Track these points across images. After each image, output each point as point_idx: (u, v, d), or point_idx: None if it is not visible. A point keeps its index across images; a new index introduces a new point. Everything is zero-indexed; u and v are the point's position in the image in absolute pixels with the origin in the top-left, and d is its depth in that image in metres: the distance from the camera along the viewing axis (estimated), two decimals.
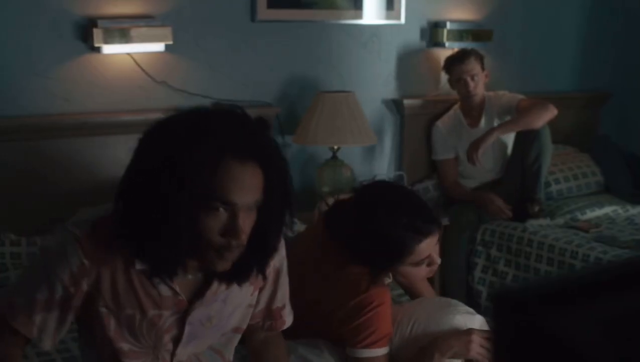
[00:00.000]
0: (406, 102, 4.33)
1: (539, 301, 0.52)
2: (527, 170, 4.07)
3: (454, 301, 2.52)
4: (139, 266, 1.63)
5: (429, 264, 2.30)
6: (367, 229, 2.23)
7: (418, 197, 2.40)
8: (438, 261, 2.31)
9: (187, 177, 1.50)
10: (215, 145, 1.52)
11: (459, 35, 4.41)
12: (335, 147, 3.88)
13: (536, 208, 4.07)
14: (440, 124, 4.30)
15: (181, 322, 1.74)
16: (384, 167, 4.35)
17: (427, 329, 2.36)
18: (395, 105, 4.36)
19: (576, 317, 0.54)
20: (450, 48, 4.42)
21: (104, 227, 1.61)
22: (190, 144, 1.51)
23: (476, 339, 2.28)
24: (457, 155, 4.26)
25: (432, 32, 4.43)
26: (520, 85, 4.44)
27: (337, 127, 3.75)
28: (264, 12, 3.81)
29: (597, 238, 3.79)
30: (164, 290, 1.68)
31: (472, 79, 4.13)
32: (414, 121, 4.37)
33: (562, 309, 0.53)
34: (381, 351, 2.28)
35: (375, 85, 4.27)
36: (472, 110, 4.23)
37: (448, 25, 4.39)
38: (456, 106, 4.32)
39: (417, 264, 2.27)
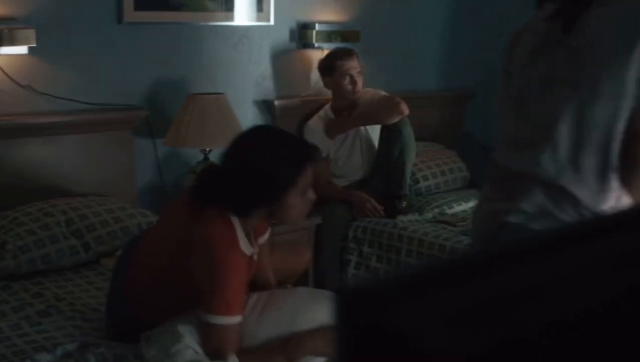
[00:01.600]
0: (277, 102, 4.36)
1: (380, 297, 0.54)
2: (392, 168, 4.17)
3: (328, 293, 2.55)
4: None
5: (309, 200, 2.43)
6: (251, 167, 2.34)
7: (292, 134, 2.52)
8: (313, 195, 2.43)
9: None
10: None
11: (327, 36, 4.47)
12: (207, 149, 3.86)
13: (403, 204, 4.18)
14: (312, 124, 4.33)
15: None
16: None
17: (294, 321, 2.37)
18: (266, 106, 4.38)
19: (420, 312, 0.56)
20: (319, 49, 4.48)
21: None
22: None
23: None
24: (328, 155, 4.32)
25: (301, 33, 4.48)
26: (387, 85, 4.53)
27: (208, 129, 3.74)
28: (131, 14, 3.76)
29: (463, 231, 3.91)
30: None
31: (359, 75, 4.21)
32: (285, 122, 4.39)
33: (404, 305, 0.55)
34: (234, 319, 2.30)
35: (245, 86, 4.27)
36: (344, 110, 4.29)
37: (317, 26, 4.45)
38: (327, 106, 4.37)
39: (302, 193, 2.37)
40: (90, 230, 3.28)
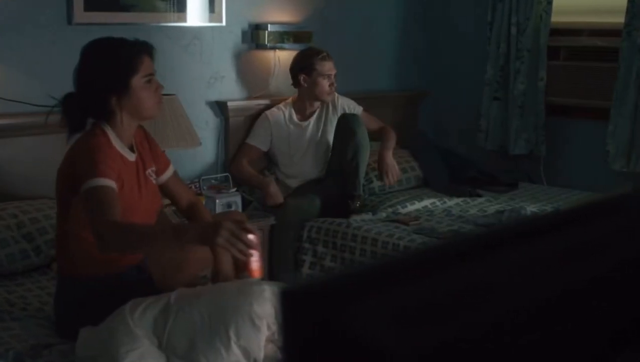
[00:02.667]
0: (230, 103, 4.35)
1: (326, 295, 0.55)
2: (346, 169, 4.19)
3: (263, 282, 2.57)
4: None
5: (155, 89, 2.68)
6: (93, 67, 2.63)
7: None
8: (162, 85, 2.72)
9: None
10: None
11: (280, 37, 4.48)
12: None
13: (357, 204, 4.20)
14: (269, 115, 4.36)
15: None
16: (209, 169, 4.35)
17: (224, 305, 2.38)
18: (219, 107, 4.37)
19: (365, 310, 0.57)
20: (272, 50, 4.49)
21: None
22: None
23: (227, 227, 2.32)
24: (269, 150, 4.34)
25: (254, 34, 4.48)
26: (340, 85, 4.54)
27: (160, 130, 3.71)
28: (81, 15, 3.72)
29: (417, 230, 3.94)
30: None
31: (335, 78, 4.28)
32: (239, 122, 4.40)
33: (350, 302, 0.56)
34: (108, 182, 2.44)
35: (198, 87, 4.26)
36: (306, 109, 4.33)
37: (269, 27, 4.45)
38: (289, 102, 4.39)
39: (146, 81, 2.63)
40: (42, 233, 3.24)
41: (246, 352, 2.32)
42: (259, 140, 4.35)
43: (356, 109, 4.47)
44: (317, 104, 4.37)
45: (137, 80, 2.61)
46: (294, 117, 4.35)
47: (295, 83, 4.35)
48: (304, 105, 4.35)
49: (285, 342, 0.54)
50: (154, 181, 2.79)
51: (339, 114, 4.37)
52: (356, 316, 0.55)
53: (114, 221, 2.36)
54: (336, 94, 4.42)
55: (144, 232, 2.46)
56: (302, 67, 4.29)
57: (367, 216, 4.17)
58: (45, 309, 2.85)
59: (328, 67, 4.27)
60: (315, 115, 4.37)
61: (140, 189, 2.69)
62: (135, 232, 2.44)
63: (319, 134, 4.34)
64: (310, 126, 4.35)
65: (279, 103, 4.41)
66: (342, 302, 0.55)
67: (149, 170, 2.77)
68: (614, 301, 0.73)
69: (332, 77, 4.29)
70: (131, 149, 2.71)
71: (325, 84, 4.27)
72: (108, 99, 2.59)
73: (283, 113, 4.36)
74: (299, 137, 4.33)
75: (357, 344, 0.55)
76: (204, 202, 3.79)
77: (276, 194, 4.18)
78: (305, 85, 4.29)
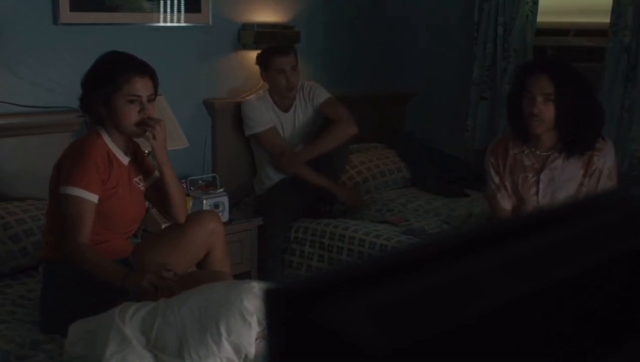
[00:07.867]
0: (217, 103, 4.34)
1: (311, 294, 0.55)
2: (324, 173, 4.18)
3: (252, 282, 2.58)
4: None
5: (138, 110, 2.75)
6: (87, 74, 2.83)
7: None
8: (150, 111, 2.80)
9: None
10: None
11: (267, 36, 4.47)
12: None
13: (327, 208, 4.20)
14: (251, 99, 4.29)
15: None
16: (197, 170, 4.34)
17: (213, 307, 2.39)
18: (206, 107, 4.36)
19: (350, 309, 0.57)
20: (259, 50, 4.48)
21: None
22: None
23: (152, 271, 2.55)
24: (274, 128, 4.27)
25: (241, 34, 4.47)
26: (329, 84, 4.54)
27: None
28: (66, 15, 3.71)
29: (405, 231, 3.94)
30: None
31: (294, 69, 4.20)
32: (226, 122, 4.39)
33: (335, 301, 0.56)
34: (90, 195, 2.64)
35: (185, 87, 4.25)
36: (284, 100, 4.29)
37: (256, 27, 4.44)
38: (266, 90, 4.32)
39: (129, 101, 2.73)
40: (29, 235, 3.23)
41: (237, 348, 2.32)
42: (262, 124, 4.23)
43: (322, 95, 4.33)
44: (291, 96, 4.29)
45: (118, 99, 2.73)
46: (274, 106, 4.28)
47: (262, 77, 4.31)
48: (277, 97, 4.28)
49: (270, 341, 0.54)
50: (140, 188, 2.96)
51: (314, 104, 4.30)
52: (341, 315, 0.55)
53: (81, 245, 2.60)
54: (307, 83, 4.36)
55: (99, 267, 2.61)
56: (260, 64, 4.26)
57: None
58: (32, 310, 2.84)
59: (280, 62, 4.15)
60: (295, 104, 4.31)
61: (130, 191, 2.87)
62: (92, 264, 2.60)
63: (296, 125, 4.30)
64: (293, 113, 4.31)
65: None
66: (328, 302, 0.55)
67: (136, 179, 2.93)
68: (598, 299, 0.73)
69: (289, 71, 4.16)
70: (125, 153, 2.87)
71: (281, 79, 4.17)
72: (96, 107, 2.78)
73: (263, 101, 4.27)
74: (283, 127, 4.29)
75: (343, 343, 0.55)
76: (191, 203, 3.79)
77: (353, 196, 4.30)
78: (267, 81, 4.26)
